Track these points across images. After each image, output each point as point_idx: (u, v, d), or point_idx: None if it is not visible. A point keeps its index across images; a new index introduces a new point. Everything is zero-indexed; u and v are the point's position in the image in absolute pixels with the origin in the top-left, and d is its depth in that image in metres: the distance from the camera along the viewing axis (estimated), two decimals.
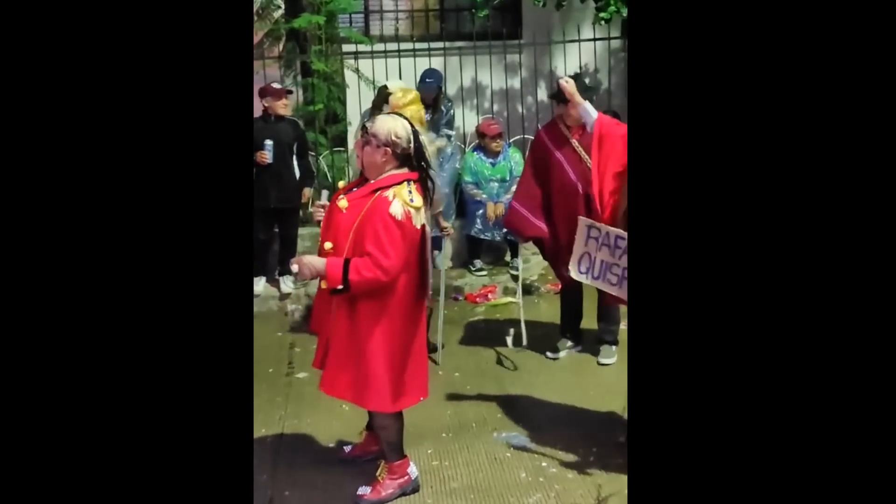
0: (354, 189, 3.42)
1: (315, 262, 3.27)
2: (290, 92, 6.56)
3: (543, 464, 3.83)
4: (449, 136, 6.64)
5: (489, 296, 6.44)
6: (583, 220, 3.93)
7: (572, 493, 3.57)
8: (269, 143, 6.08)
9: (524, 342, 5.18)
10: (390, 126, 3.33)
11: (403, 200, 3.24)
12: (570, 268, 3.97)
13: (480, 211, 6.58)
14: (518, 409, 4.46)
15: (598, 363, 5.06)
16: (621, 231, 3.68)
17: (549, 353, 5.18)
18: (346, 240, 3.27)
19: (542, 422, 4.27)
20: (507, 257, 6.96)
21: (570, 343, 5.23)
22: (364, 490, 3.60)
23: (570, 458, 3.86)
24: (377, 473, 3.63)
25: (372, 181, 3.34)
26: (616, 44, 8.06)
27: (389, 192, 3.25)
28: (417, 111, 5.18)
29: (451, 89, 7.70)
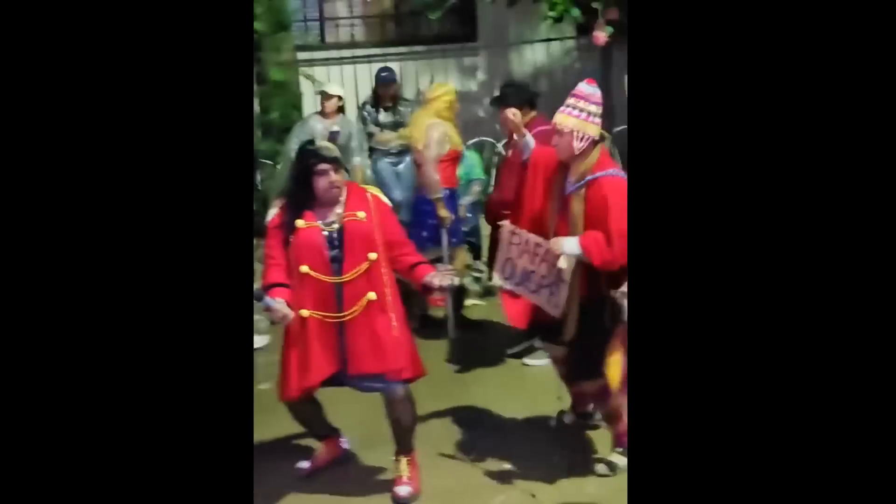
0: (316, 212, 3.50)
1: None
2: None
3: (506, 465, 3.84)
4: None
5: None
6: (506, 226, 3.82)
7: (536, 493, 3.59)
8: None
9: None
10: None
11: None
12: (494, 273, 3.93)
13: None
14: (481, 410, 4.47)
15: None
16: (539, 238, 3.63)
17: (525, 360, 5.05)
18: (376, 243, 3.49)
19: (506, 423, 4.28)
20: (470, 260, 6.96)
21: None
22: (404, 490, 3.62)
23: (533, 459, 3.87)
24: (399, 472, 3.67)
25: (343, 198, 3.52)
26: (570, 43, 8.12)
27: (369, 191, 3.65)
28: (449, 101, 5.31)
29: (408, 94, 7.71)
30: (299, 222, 3.47)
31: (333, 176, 3.45)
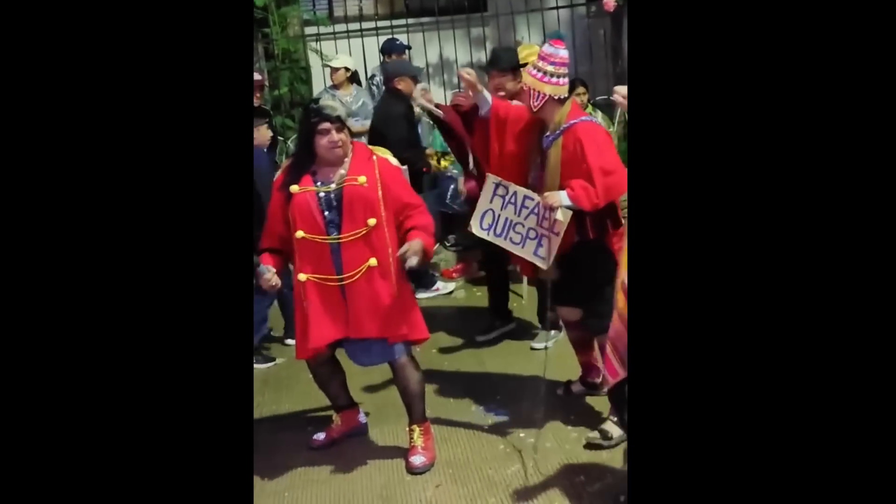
0: (319, 172, 3.47)
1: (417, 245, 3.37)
2: (264, 85, 6.46)
3: (521, 434, 3.84)
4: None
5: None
6: (491, 177, 3.95)
7: (550, 464, 3.57)
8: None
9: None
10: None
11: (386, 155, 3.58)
12: (471, 223, 4.00)
13: (452, 186, 6.53)
14: (496, 383, 4.46)
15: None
16: (531, 192, 3.78)
17: (533, 345, 4.92)
18: (380, 207, 3.42)
19: (521, 395, 4.25)
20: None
21: (553, 332, 4.87)
22: (418, 460, 3.61)
23: (548, 429, 3.85)
24: (413, 442, 3.67)
25: (348, 159, 3.47)
26: (581, 10, 8.02)
27: (376, 154, 3.53)
28: None
29: (418, 66, 7.65)
30: (293, 188, 3.44)
31: (335, 135, 3.40)
